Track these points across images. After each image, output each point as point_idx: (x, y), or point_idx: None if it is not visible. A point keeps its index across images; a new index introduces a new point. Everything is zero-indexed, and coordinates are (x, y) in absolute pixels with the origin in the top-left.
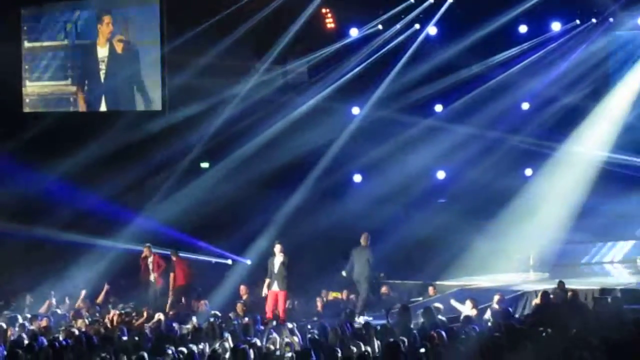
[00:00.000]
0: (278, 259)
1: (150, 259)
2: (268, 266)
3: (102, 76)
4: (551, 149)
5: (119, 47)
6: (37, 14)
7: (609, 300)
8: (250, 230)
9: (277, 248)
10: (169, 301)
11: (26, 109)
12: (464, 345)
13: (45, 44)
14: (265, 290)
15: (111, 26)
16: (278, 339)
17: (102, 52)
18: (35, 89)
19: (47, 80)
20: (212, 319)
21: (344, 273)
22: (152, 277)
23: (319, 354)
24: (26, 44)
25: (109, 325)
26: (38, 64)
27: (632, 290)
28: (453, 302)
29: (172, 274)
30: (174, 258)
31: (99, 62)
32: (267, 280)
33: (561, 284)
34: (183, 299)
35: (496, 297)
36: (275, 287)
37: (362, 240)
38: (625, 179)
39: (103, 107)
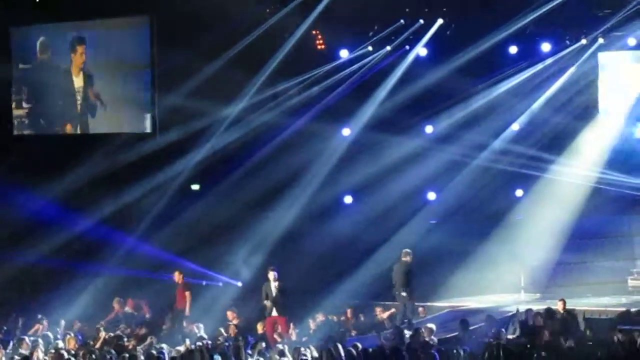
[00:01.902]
0: (274, 285)
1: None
2: (263, 292)
3: (78, 104)
4: (542, 170)
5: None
6: (24, 36)
7: (600, 321)
8: (241, 252)
9: (271, 275)
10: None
11: (15, 132)
12: None
13: (21, 66)
14: (269, 311)
15: (84, 56)
16: (265, 355)
17: (78, 81)
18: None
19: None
20: (199, 343)
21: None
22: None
23: None
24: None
25: (98, 346)
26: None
27: (623, 311)
28: None
29: (188, 293)
30: (182, 280)
31: (75, 90)
32: (268, 304)
33: (562, 302)
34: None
35: (486, 318)
36: (274, 313)
37: (403, 256)
38: (616, 199)
39: (77, 131)
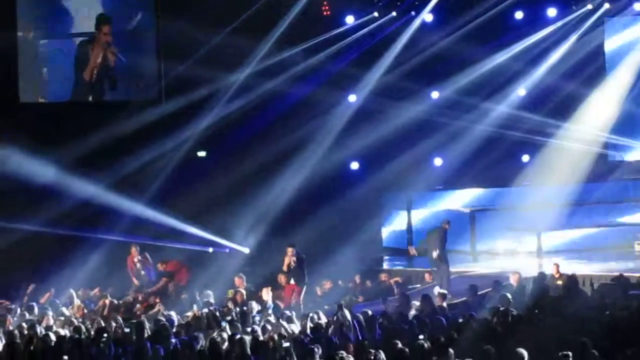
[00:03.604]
0: (292, 260)
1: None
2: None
3: (94, 76)
4: (548, 135)
5: (112, 59)
6: (31, 3)
7: (595, 286)
8: (248, 219)
9: (290, 251)
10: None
11: (21, 99)
12: (463, 331)
13: (29, 34)
14: (282, 281)
15: (109, 36)
16: (272, 322)
17: (97, 55)
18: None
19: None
20: (206, 309)
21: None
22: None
23: (318, 343)
24: (19, 33)
25: (105, 313)
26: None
27: (616, 275)
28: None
29: (164, 279)
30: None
31: (92, 62)
32: (283, 276)
33: (556, 266)
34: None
35: (493, 284)
36: (292, 282)
37: (443, 224)
38: (622, 164)
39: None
